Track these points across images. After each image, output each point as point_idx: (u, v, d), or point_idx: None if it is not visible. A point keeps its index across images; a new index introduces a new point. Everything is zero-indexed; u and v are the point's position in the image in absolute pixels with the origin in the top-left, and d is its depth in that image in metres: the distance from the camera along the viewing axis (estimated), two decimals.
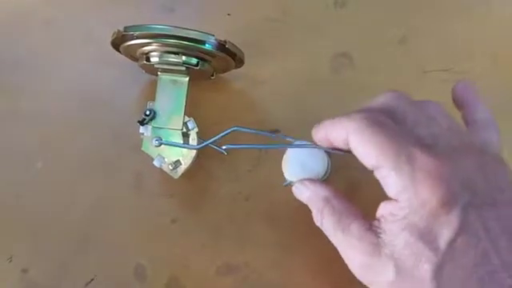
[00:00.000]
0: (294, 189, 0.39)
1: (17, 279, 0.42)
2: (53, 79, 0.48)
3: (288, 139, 0.40)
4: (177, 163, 0.42)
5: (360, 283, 0.34)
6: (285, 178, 0.41)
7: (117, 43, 0.41)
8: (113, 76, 0.48)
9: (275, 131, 0.45)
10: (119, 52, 0.43)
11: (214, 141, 0.39)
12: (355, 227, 0.33)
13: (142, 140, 0.42)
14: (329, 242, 0.35)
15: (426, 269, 0.30)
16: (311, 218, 0.37)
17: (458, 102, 0.37)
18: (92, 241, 0.43)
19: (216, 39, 0.39)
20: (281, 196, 0.43)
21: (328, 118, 0.35)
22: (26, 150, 0.46)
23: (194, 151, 0.42)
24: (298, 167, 0.39)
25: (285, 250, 0.42)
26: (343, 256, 0.34)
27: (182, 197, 0.45)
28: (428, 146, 0.31)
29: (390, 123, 0.32)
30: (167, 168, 0.42)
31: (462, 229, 0.29)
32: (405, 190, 0.30)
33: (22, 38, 0.50)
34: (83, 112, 0.47)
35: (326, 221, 0.35)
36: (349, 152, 0.34)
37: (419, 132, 0.32)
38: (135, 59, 0.44)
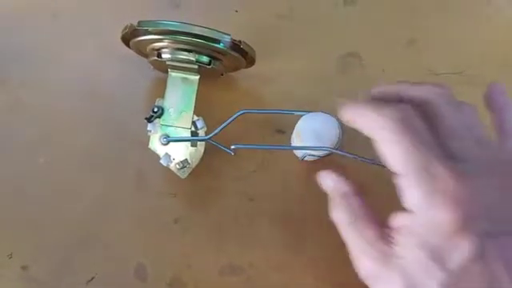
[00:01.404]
0: (320, 177, 0.37)
1: (17, 276, 0.41)
2: (58, 73, 0.47)
3: (298, 113, 0.40)
4: (184, 162, 0.41)
5: (362, 286, 0.34)
6: (296, 154, 0.40)
7: (127, 38, 0.41)
8: (118, 71, 0.47)
9: (280, 132, 0.45)
10: (128, 47, 0.42)
11: (224, 127, 0.39)
12: (369, 233, 0.33)
13: (147, 137, 0.42)
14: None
15: (433, 287, 0.30)
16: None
17: (489, 105, 0.36)
18: (93, 238, 0.42)
19: (231, 39, 0.39)
20: (285, 197, 0.43)
21: (360, 101, 0.33)
22: (27, 145, 0.45)
23: (202, 151, 0.42)
24: (312, 137, 0.39)
25: (289, 251, 0.42)
26: (353, 258, 0.34)
27: (185, 196, 0.44)
28: (455, 163, 0.30)
29: (422, 128, 0.31)
30: (174, 167, 0.41)
31: (475, 255, 0.29)
32: (422, 207, 0.30)
33: (30, 31, 0.49)
34: (87, 107, 0.46)
35: (340, 216, 0.35)
36: (382, 165, 0.32)
37: (451, 144, 0.31)
38: (144, 55, 0.43)
